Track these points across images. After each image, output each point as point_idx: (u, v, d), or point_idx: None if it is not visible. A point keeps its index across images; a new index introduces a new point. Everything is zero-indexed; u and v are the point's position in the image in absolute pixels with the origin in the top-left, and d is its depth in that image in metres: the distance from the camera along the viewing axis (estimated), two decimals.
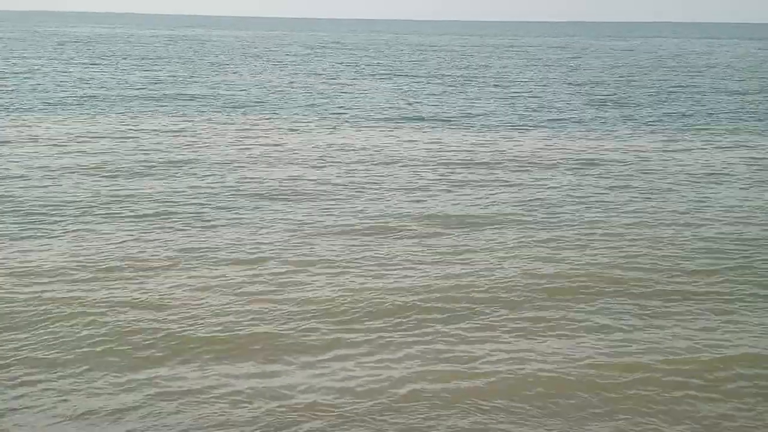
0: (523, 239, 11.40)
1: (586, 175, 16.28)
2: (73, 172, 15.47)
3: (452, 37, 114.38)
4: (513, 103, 29.17)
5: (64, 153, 17.50)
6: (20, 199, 13.23)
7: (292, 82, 35.96)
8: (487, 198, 14.04)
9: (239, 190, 14.27)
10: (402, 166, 16.86)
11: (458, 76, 41.16)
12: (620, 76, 43.05)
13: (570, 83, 38.29)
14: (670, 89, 35.49)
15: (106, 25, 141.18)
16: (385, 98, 30.06)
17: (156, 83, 33.52)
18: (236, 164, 16.62)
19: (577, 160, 17.92)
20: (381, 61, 53.07)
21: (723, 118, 25.71)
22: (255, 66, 46.73)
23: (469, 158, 17.97)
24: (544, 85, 36.90)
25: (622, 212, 13.06)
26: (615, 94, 33.14)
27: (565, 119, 25.04)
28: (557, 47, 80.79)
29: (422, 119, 24.32)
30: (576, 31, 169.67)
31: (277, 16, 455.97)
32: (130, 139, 19.48)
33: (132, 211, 12.57)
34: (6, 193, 13.59)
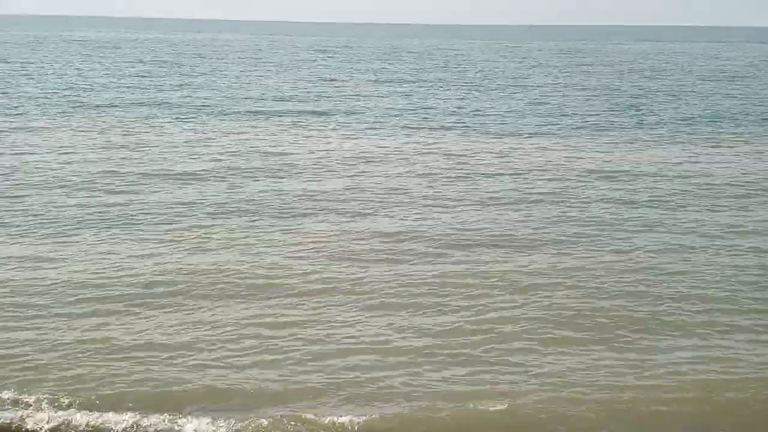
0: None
1: (615, 186, 17.10)
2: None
3: (437, 40, 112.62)
4: (531, 109, 30.53)
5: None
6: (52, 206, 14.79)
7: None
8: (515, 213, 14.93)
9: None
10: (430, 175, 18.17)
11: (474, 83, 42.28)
12: (633, 80, 44.19)
13: (582, 88, 39.33)
14: (685, 93, 36.68)
15: (120, 30, 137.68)
16: (400, 104, 31.54)
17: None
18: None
19: (600, 169, 18.58)
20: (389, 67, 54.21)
21: (743, 124, 26.82)
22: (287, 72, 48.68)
23: (493, 167, 19.12)
24: (558, 90, 37.92)
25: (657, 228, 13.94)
26: (631, 99, 34.24)
27: (583, 126, 26.09)
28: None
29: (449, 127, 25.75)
30: (568, 35, 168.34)
31: (263, 20, 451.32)
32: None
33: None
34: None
